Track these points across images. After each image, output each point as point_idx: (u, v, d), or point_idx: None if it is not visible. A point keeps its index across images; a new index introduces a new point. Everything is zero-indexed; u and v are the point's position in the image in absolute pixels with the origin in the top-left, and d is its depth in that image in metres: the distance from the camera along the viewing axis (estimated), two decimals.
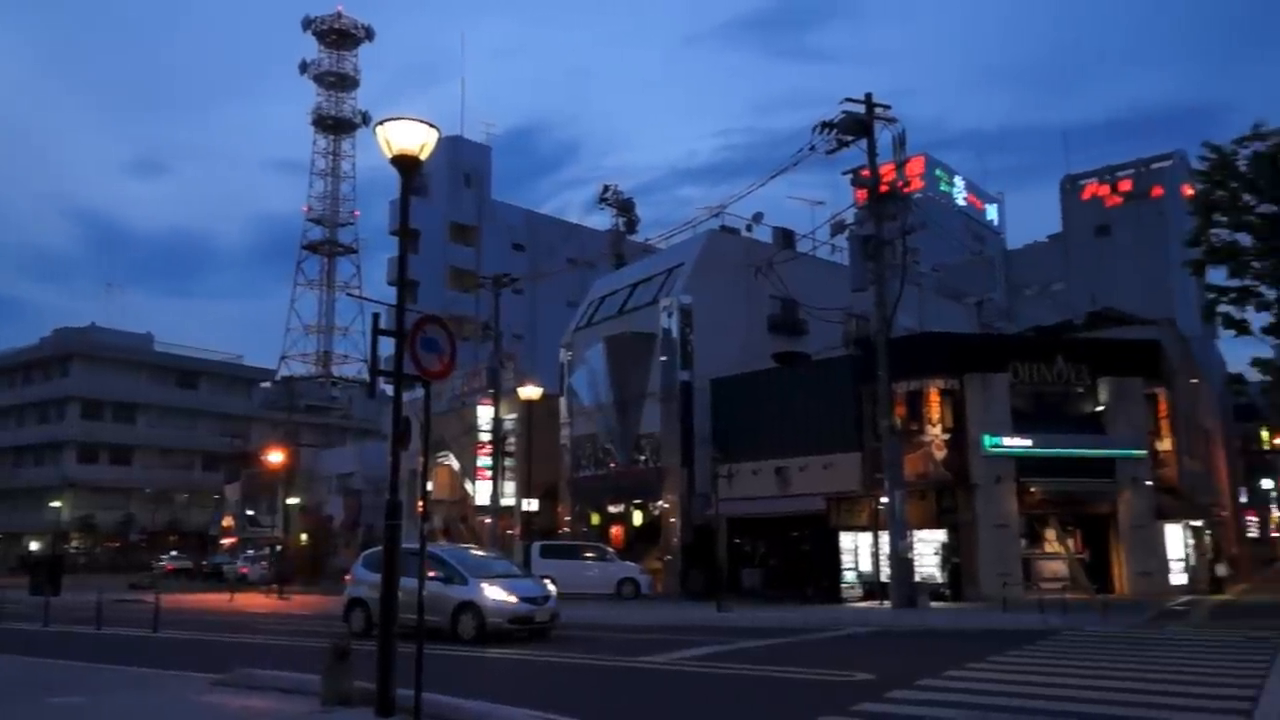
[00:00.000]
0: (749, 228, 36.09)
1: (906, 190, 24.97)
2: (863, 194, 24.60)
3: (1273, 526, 68.85)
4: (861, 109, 23.71)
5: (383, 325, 9.48)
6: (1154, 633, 17.12)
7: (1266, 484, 60.05)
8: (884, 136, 23.81)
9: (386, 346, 9.35)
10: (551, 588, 18.80)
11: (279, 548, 46.46)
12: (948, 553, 25.87)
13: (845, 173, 24.89)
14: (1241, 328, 30.36)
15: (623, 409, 33.96)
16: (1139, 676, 11.40)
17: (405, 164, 9.05)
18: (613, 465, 34.71)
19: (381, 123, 9.04)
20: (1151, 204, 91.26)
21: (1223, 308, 30.58)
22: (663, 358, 32.78)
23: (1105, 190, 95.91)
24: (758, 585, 29.14)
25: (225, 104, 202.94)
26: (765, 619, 20.35)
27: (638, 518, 34.48)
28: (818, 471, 27.83)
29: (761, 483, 29.18)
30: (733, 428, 30.23)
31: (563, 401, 37.46)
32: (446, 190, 62.79)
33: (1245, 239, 29.59)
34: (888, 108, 23.76)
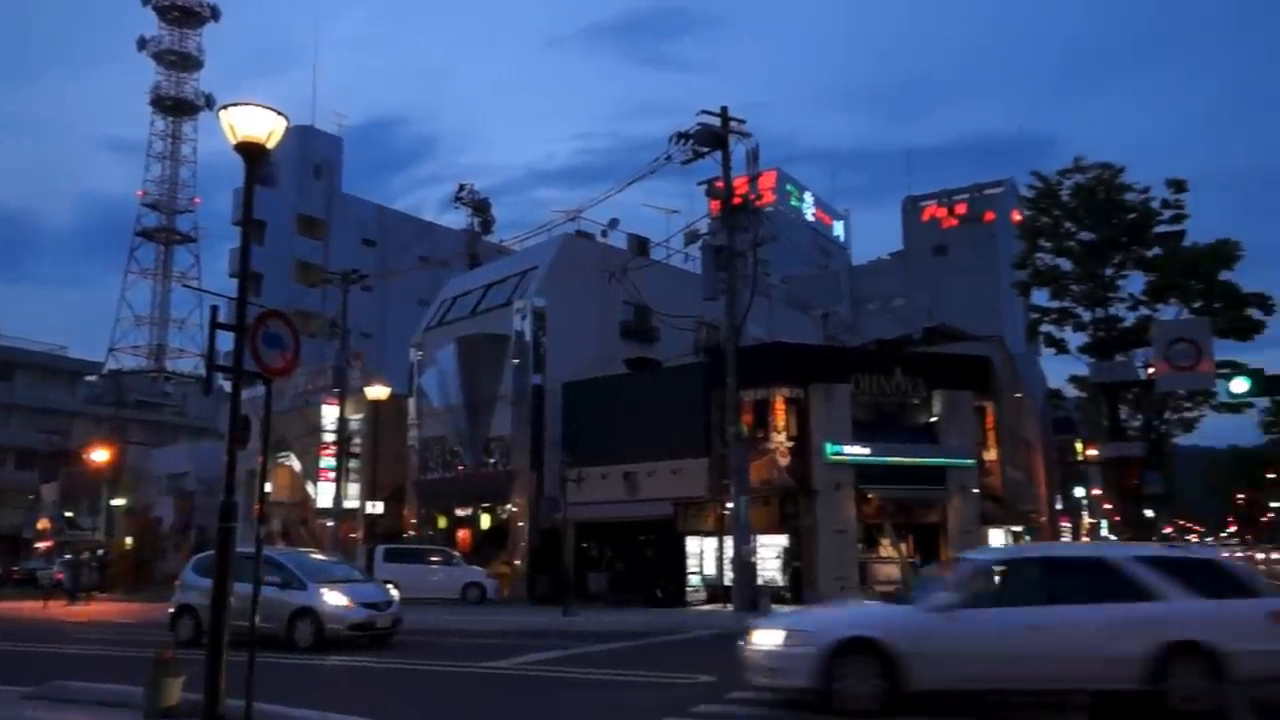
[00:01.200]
0: (604, 233, 36.33)
1: (759, 203, 25.68)
2: (716, 205, 25.14)
3: (1083, 531, 73.87)
4: (717, 122, 24.21)
5: (222, 319, 9.04)
6: None
7: (1079, 492, 64.39)
8: (738, 150, 24.39)
9: (225, 341, 8.93)
10: (395, 593, 18.37)
11: (101, 552, 43.77)
12: (789, 557, 26.64)
13: (700, 183, 25.37)
14: (1061, 346, 32.60)
15: (473, 411, 33.56)
16: None
17: (251, 152, 8.68)
18: (461, 468, 34.25)
19: (226, 107, 8.63)
20: (985, 227, 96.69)
21: (1045, 327, 32.79)
22: (515, 360, 32.58)
23: (943, 212, 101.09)
24: (604, 589, 29.28)
25: (53, 74, 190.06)
26: (611, 623, 20.46)
27: (486, 521, 34.13)
28: (666, 476, 28.20)
29: (610, 487, 29.34)
30: (583, 432, 30.31)
31: (411, 402, 36.73)
32: (295, 181, 60.62)
33: (1066, 264, 31.81)
34: (742, 122, 24.34)
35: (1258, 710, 9.48)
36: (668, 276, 34.91)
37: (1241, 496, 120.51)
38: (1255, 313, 31.11)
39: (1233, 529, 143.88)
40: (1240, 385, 23.73)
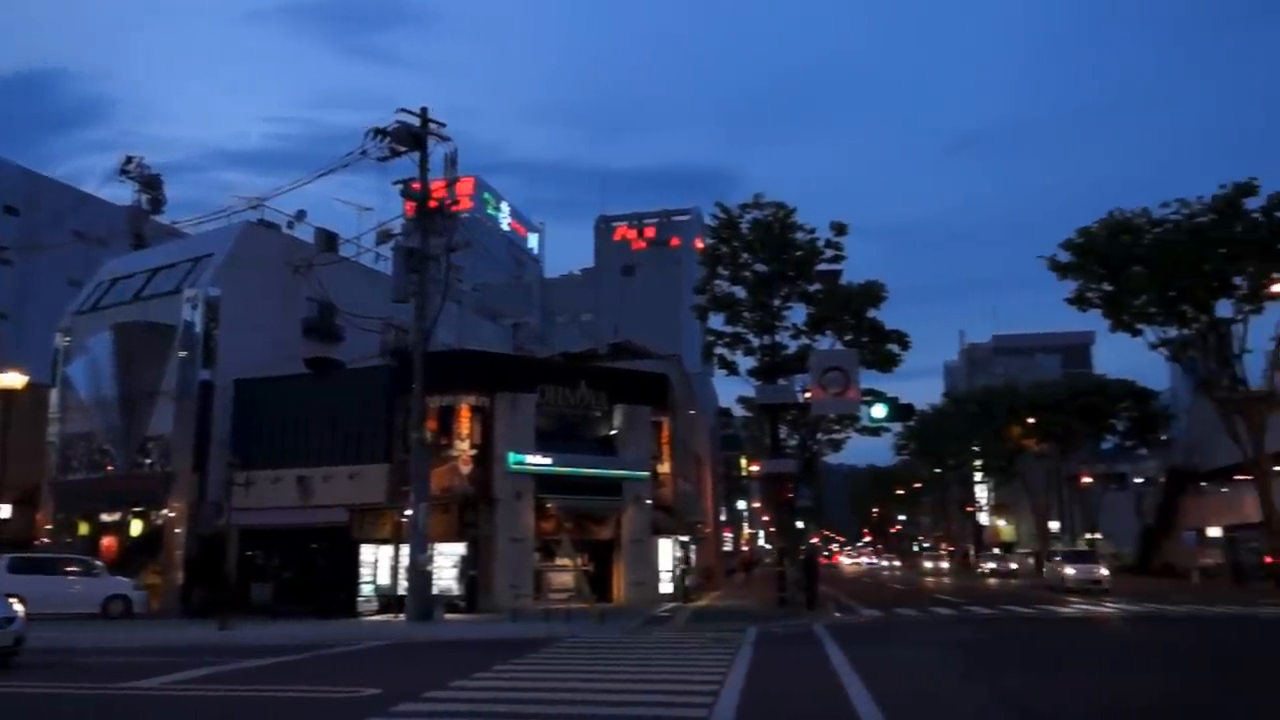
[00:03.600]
0: (291, 224, 34.41)
1: (455, 208, 25.36)
2: (412, 206, 24.60)
3: (743, 541, 79.47)
4: (417, 121, 23.76)
5: None
6: (643, 637, 18.87)
7: (741, 505, 69.25)
8: (437, 152, 24.06)
9: None
10: (19, 608, 16.25)
11: None
12: (466, 565, 26.49)
13: (396, 182, 24.72)
14: (732, 368, 34.88)
15: (129, 406, 30.55)
16: (626, 677, 12.49)
17: None
18: (111, 468, 31.07)
19: None
20: (671, 251, 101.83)
21: (719, 350, 34.95)
22: (182, 353, 30.08)
23: (633, 234, 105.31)
24: (269, 600, 27.64)
25: None
26: (274, 636, 19.34)
27: (137, 528, 31.11)
28: (343, 482, 27.17)
29: (282, 492, 27.82)
30: (255, 433, 28.54)
31: (54, 393, 32.90)
32: None
33: (741, 292, 34.10)
34: (443, 124, 24.05)
35: None
36: (356, 275, 33.70)
37: (876, 510, 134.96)
38: (894, 348, 35.00)
39: (868, 539, 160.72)
40: (880, 411, 26.61)
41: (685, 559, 30.38)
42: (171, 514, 29.39)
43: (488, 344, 40.32)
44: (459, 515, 26.72)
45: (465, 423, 27.15)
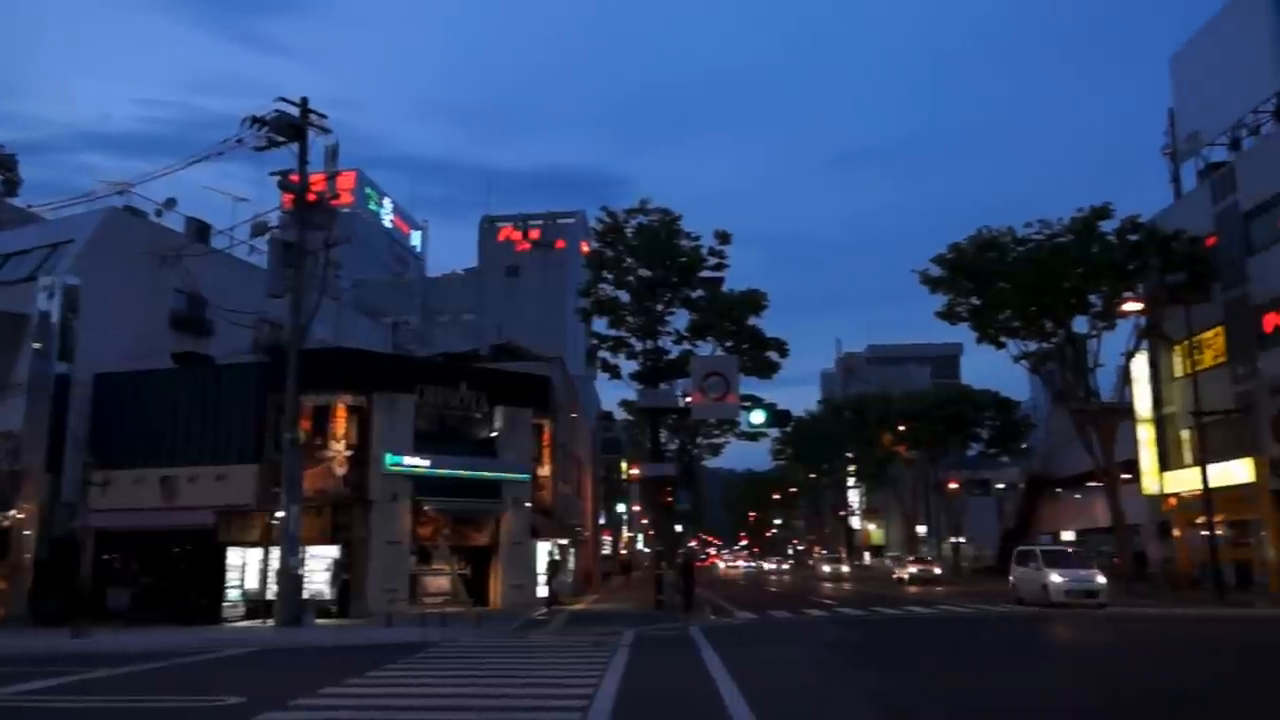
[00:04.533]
0: (159, 212, 32.97)
1: (335, 202, 24.76)
2: (289, 199, 23.88)
3: (622, 544, 79.81)
4: (297, 111, 23.10)
5: None
6: (519, 641, 18.76)
7: (621, 508, 69.53)
8: (318, 144, 23.45)
9: None
10: None
11: None
12: (339, 569, 25.84)
13: (273, 173, 23.95)
14: (615, 372, 35.05)
15: None
16: (500, 681, 12.38)
17: None
18: None
19: None
20: (556, 254, 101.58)
21: (602, 353, 35.07)
22: (36, 345, 28.41)
23: (518, 235, 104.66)
24: (126, 607, 26.35)
25: None
26: (132, 644, 18.46)
27: None
28: (210, 483, 26.15)
29: (144, 493, 26.61)
30: (116, 431, 27.22)
31: None
32: None
33: (625, 296, 34.31)
34: (324, 116, 23.45)
35: None
36: (229, 268, 32.49)
37: (753, 514, 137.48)
38: (774, 355, 35.77)
39: (744, 542, 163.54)
40: (758, 417, 27.16)
41: (552, 563, 30.11)
42: (20, 515, 27.71)
43: (366, 342, 39.44)
44: (332, 517, 26.06)
45: (341, 423, 26.49)
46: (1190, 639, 18.48)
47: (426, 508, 27.01)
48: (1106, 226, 37.31)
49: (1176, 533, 39.78)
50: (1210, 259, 37.10)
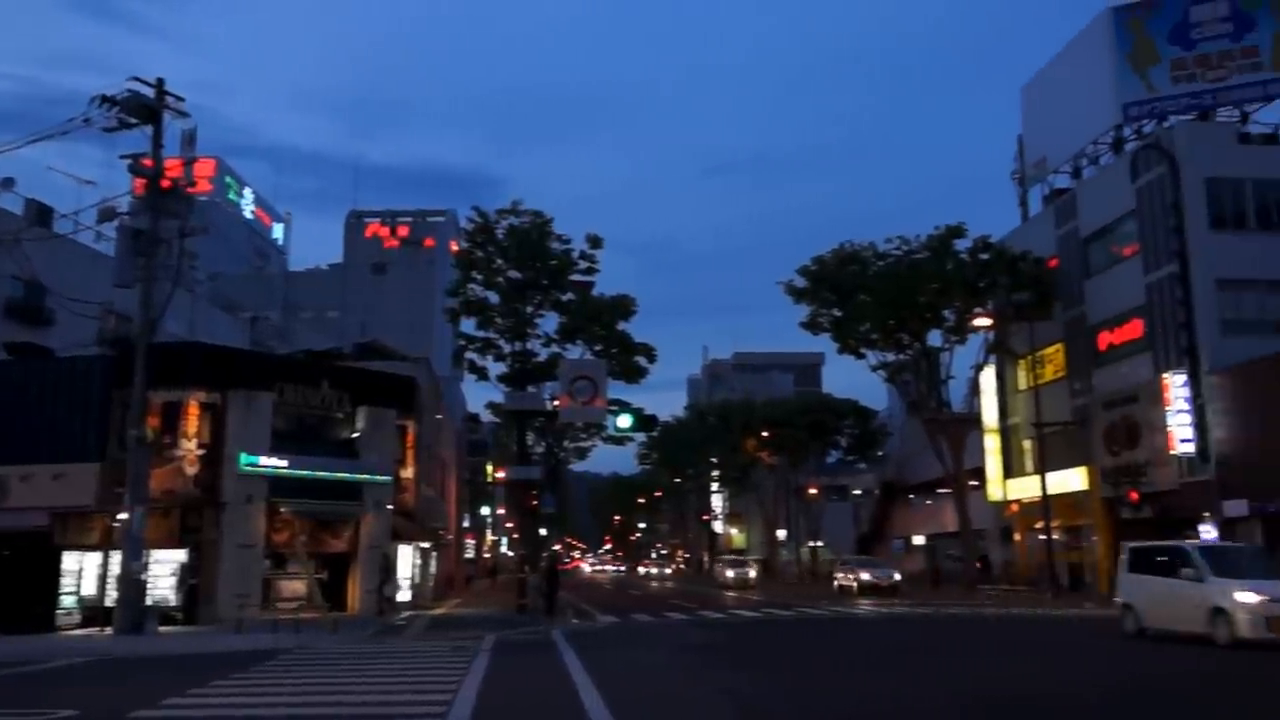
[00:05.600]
0: None
1: (191, 190, 23.68)
2: (142, 184, 22.72)
3: (486, 547, 79.01)
4: (151, 92, 22.00)
5: None
6: (376, 646, 18.33)
7: (485, 511, 68.81)
8: (174, 127, 22.39)
9: None
10: None
11: None
12: (185, 574, 24.69)
13: (124, 156, 22.75)
14: (482, 374, 34.66)
15: None
16: (355, 689, 12.08)
17: None
18: None
19: None
20: (424, 252, 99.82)
21: (470, 355, 34.64)
22: None
23: (386, 232, 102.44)
24: None
25: None
26: None
27: None
28: (46, 482, 24.58)
29: None
30: None
31: None
32: None
33: (494, 298, 33.98)
34: (181, 99, 22.39)
35: None
36: (73, 254, 30.77)
37: (618, 518, 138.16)
38: (642, 360, 36.06)
39: (609, 546, 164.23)
40: (625, 421, 27.32)
41: (384, 569, 28.60)
42: None
43: (223, 338, 37.93)
44: (181, 519, 24.88)
45: (193, 420, 25.33)
46: (1022, 639, 19.49)
47: (283, 509, 26.10)
48: (960, 245, 39.14)
49: (1017, 537, 41.97)
50: (1053, 280, 39.36)
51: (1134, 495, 32.78)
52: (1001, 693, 11.62)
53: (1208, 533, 30.43)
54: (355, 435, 28.62)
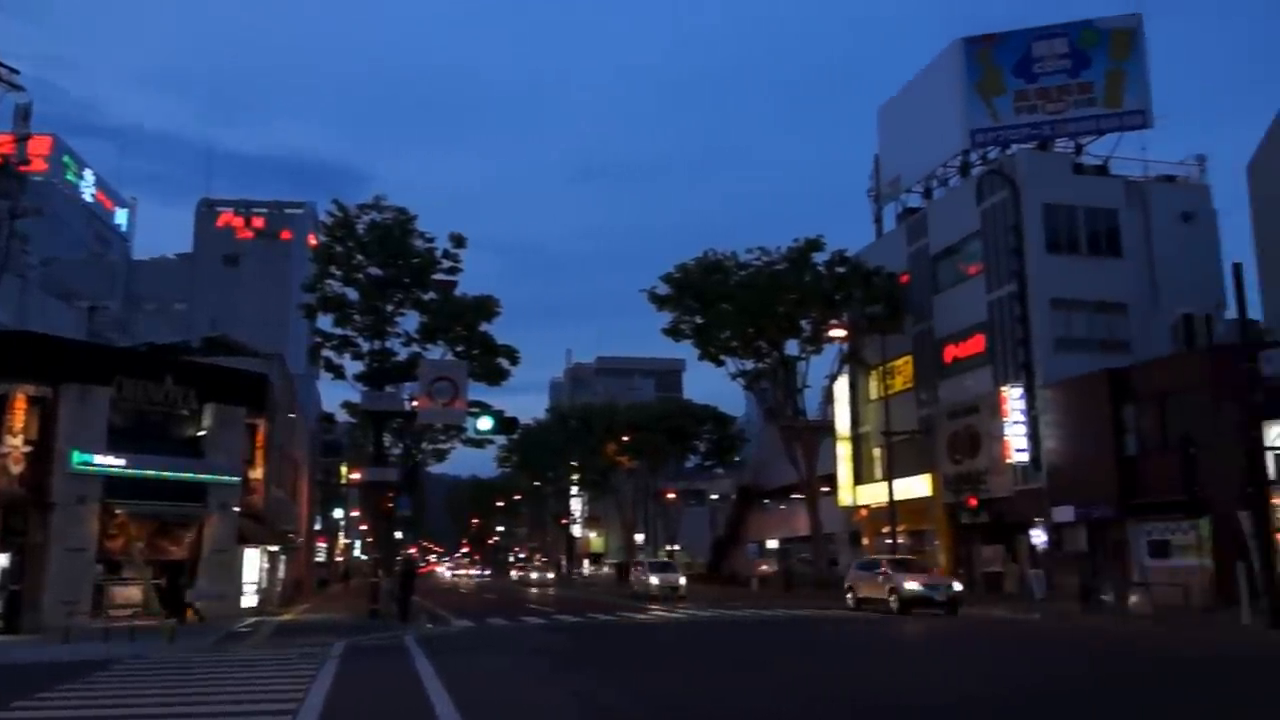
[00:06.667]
0: None
1: (24, 169, 22.29)
2: None
3: (338, 551, 76.89)
4: None
5: None
6: (218, 655, 17.59)
7: (339, 513, 66.93)
8: (6, 101, 21.05)
9: None
10: None
11: None
12: (6, 579, 23.12)
13: None
14: (339, 372, 33.75)
15: None
16: (192, 701, 11.57)
17: None
18: None
19: None
20: (281, 245, 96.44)
21: (326, 352, 33.67)
22: None
23: (240, 222, 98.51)
24: None
25: None
26: None
27: None
28: None
29: None
30: None
31: None
32: None
33: (353, 294, 33.14)
34: (15, 71, 21.15)
35: None
36: None
37: (476, 521, 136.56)
38: (504, 362, 35.78)
39: (466, 550, 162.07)
40: (486, 423, 27.03)
41: (191, 572, 26.50)
42: None
43: (57, 327, 35.66)
44: (4, 521, 23.28)
45: (19, 415, 23.73)
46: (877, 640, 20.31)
47: (119, 511, 24.75)
48: (818, 258, 40.39)
49: (866, 541, 43.52)
50: (904, 294, 41.08)
51: (973, 501, 34.51)
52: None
53: (1038, 537, 32.33)
54: (201, 434, 27.43)
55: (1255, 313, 27.20)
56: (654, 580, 39.63)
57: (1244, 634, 19.51)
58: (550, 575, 73.15)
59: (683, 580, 40.58)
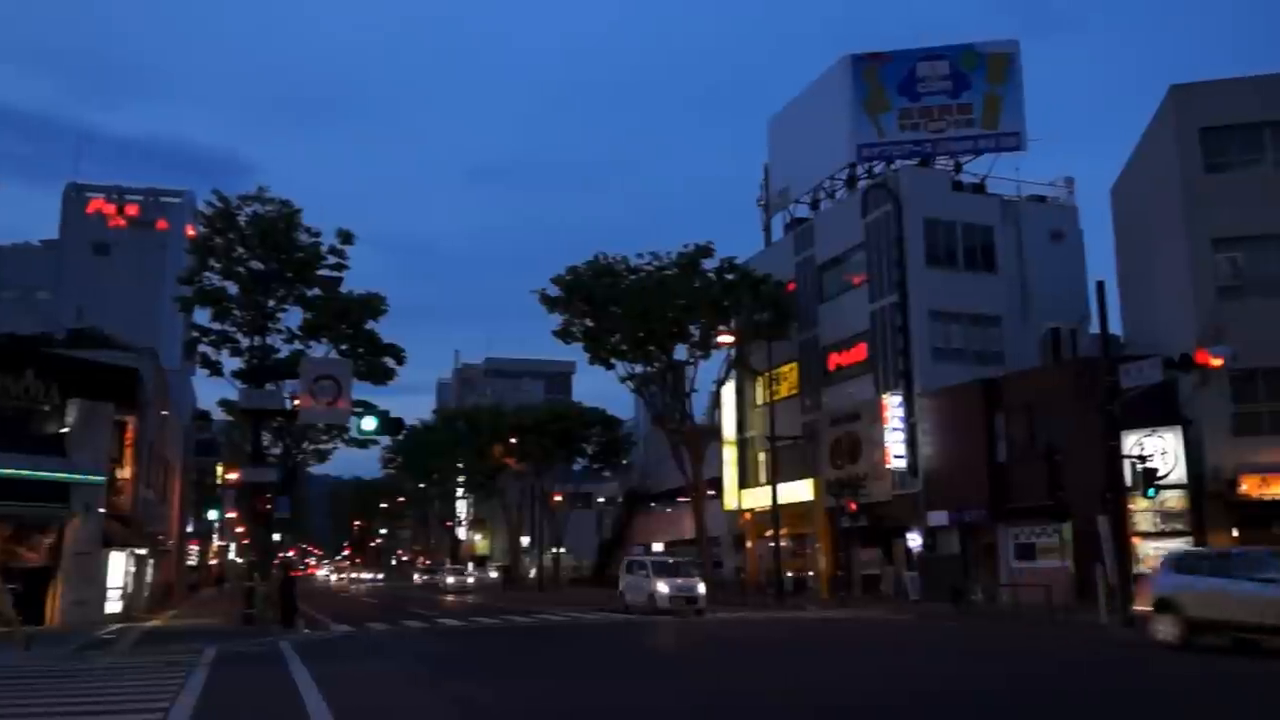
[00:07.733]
0: None
1: None
2: None
3: (213, 554, 74.20)
4: None
5: None
6: (78, 664, 16.75)
7: (213, 515, 64.52)
8: None
9: None
10: None
11: None
12: None
13: None
14: (216, 369, 32.57)
15: None
16: (50, 713, 10.99)
17: None
18: None
19: None
20: (156, 235, 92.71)
21: (203, 347, 32.46)
22: None
23: (112, 209, 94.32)
24: None
25: None
26: None
27: None
28: None
29: None
30: None
31: None
32: None
33: (233, 288, 32.04)
34: None
35: None
36: None
37: (359, 523, 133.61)
38: (390, 361, 35.10)
39: (348, 552, 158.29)
40: (370, 423, 26.43)
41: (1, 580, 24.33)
42: None
43: None
44: None
45: None
46: (769, 637, 20.64)
47: None
48: (708, 264, 40.94)
49: (749, 544, 44.27)
50: (791, 302, 41.98)
51: (852, 505, 35.46)
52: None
53: (914, 540, 33.44)
54: (64, 430, 26.09)
55: (1116, 328, 28.73)
56: (663, 589, 29.03)
57: (1100, 632, 20.54)
58: (470, 580, 62.73)
59: (702, 588, 29.65)
